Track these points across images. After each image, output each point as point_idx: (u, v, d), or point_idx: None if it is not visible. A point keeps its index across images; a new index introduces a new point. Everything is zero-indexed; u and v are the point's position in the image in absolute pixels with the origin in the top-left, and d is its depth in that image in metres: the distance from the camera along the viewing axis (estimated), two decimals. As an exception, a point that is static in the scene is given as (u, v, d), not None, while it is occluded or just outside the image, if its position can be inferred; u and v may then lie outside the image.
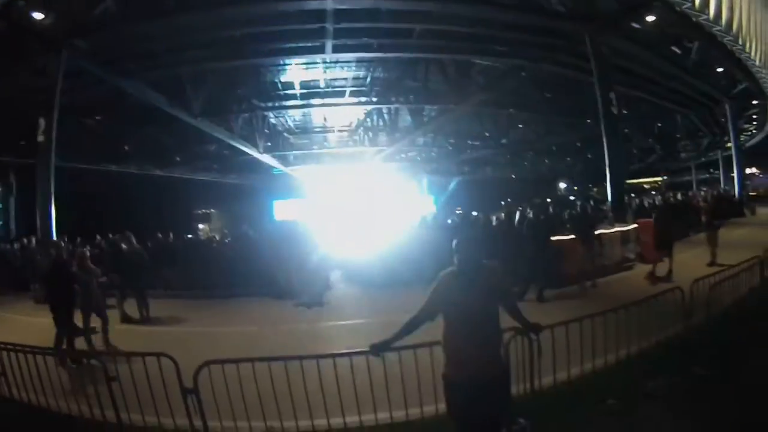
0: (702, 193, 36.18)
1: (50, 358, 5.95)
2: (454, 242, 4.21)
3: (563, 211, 18.26)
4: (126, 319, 11.56)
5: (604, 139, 17.33)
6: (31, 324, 11.91)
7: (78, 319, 9.07)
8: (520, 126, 31.07)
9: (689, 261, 13.17)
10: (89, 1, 13.92)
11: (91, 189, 23.21)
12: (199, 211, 38.66)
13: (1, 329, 10.20)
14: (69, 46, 14.99)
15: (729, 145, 35.28)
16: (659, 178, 49.75)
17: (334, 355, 5.38)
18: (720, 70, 23.70)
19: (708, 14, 17.13)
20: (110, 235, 13.91)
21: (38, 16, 13.54)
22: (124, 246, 12.25)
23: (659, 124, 34.01)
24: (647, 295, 6.60)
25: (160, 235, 16.94)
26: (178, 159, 30.69)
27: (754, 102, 30.39)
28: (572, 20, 16.49)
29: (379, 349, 4.49)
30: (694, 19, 16.88)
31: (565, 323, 5.70)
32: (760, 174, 49.16)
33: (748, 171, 41.88)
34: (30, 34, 14.09)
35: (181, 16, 15.34)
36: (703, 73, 23.56)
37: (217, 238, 19.45)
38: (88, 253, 10.03)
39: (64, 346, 8.53)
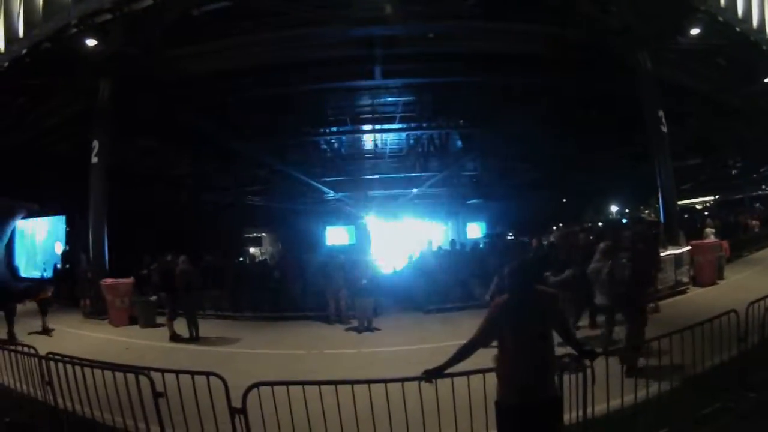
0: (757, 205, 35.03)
1: (98, 370, 6.02)
2: (506, 268, 4.22)
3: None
4: (175, 337, 11.77)
5: (655, 159, 16.82)
6: (80, 336, 12.35)
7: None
8: (567, 147, 30.55)
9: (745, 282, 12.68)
10: (139, 27, 14.35)
11: (143, 210, 23.71)
12: (251, 235, 39.03)
13: (51, 340, 10.49)
14: (120, 71, 15.47)
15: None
16: (711, 197, 48.04)
17: (385, 381, 5.20)
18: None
19: (751, 22, 16.70)
20: (162, 256, 14.10)
21: (91, 42, 13.97)
22: (177, 267, 12.43)
23: (708, 140, 32.92)
24: (702, 320, 6.31)
25: (210, 257, 17.29)
26: (230, 183, 31.18)
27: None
28: (618, 36, 16.20)
29: (432, 375, 4.43)
30: (738, 28, 16.45)
31: (620, 349, 5.49)
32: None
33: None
34: (82, 58, 14.56)
35: (229, 42, 15.78)
36: (748, 83, 22.72)
37: (268, 261, 19.70)
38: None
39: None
